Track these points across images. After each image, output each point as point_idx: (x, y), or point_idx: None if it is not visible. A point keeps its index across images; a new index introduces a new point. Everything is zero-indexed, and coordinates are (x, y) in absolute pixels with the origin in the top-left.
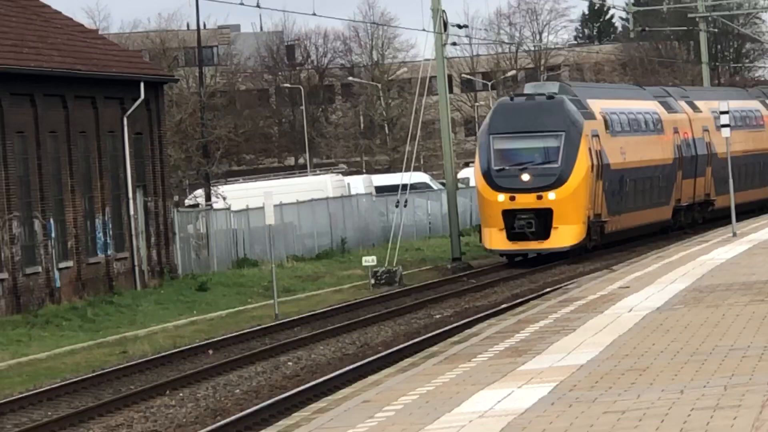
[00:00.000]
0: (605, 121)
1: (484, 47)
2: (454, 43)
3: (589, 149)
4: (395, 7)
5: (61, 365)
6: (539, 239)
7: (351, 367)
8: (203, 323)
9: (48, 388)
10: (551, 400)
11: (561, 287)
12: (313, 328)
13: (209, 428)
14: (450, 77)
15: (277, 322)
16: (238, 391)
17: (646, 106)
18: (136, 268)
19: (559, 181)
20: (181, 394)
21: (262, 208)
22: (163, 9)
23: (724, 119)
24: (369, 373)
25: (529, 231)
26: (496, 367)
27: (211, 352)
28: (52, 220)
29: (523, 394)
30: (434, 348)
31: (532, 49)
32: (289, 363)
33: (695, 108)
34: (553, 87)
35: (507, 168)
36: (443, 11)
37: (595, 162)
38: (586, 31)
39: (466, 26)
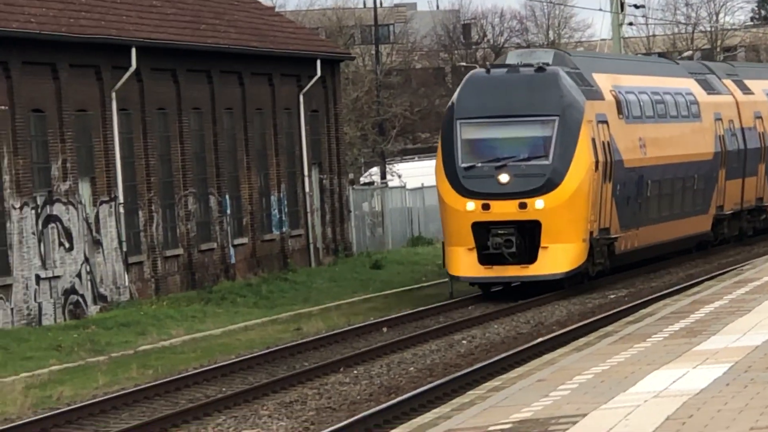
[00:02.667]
0: (618, 102)
1: (660, 27)
2: (630, 23)
3: (593, 140)
4: None
5: (235, 341)
6: (522, 263)
7: (525, 346)
8: (377, 301)
9: (222, 364)
10: (726, 380)
11: (736, 268)
12: (487, 307)
13: (383, 406)
14: None
15: (452, 301)
16: (412, 368)
17: (677, 84)
18: (311, 246)
19: (549, 184)
20: (355, 372)
21: None
22: None
23: None
24: (543, 352)
25: (507, 252)
26: (671, 347)
27: (385, 329)
28: (227, 197)
29: (698, 374)
30: (609, 328)
31: (708, 29)
32: (464, 341)
33: (745, 89)
34: (545, 56)
35: (479, 165)
36: None
37: (601, 158)
38: (763, 12)
39: (642, 6)
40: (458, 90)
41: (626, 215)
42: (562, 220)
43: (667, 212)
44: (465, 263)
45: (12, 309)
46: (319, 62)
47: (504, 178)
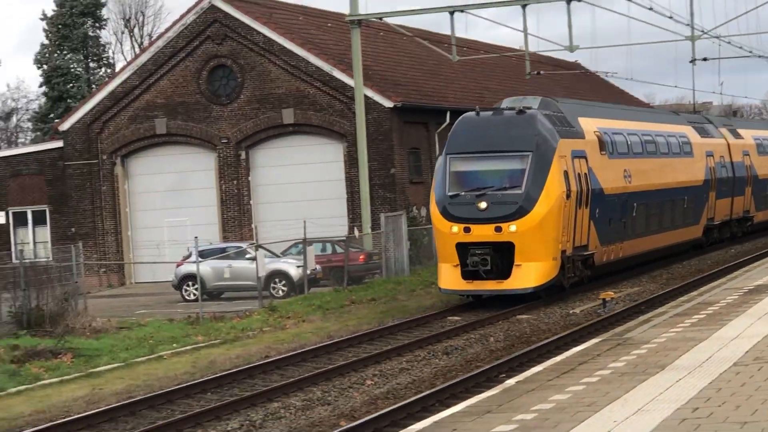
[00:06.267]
0: (600, 141)
1: None
2: None
3: (565, 172)
4: None
5: None
6: (498, 278)
7: (716, 270)
8: None
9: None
10: None
11: None
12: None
13: (632, 304)
14: None
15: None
16: (651, 286)
17: (674, 129)
18: None
19: (521, 211)
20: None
21: None
22: None
23: None
24: (726, 273)
25: (483, 269)
26: None
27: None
28: None
29: None
30: (766, 258)
31: None
32: (679, 268)
33: (736, 135)
34: (532, 102)
35: (462, 194)
36: None
37: (574, 187)
38: None
39: None
40: (452, 129)
41: (607, 233)
42: (533, 241)
43: (655, 226)
44: (451, 278)
45: None
46: None
47: (483, 205)
